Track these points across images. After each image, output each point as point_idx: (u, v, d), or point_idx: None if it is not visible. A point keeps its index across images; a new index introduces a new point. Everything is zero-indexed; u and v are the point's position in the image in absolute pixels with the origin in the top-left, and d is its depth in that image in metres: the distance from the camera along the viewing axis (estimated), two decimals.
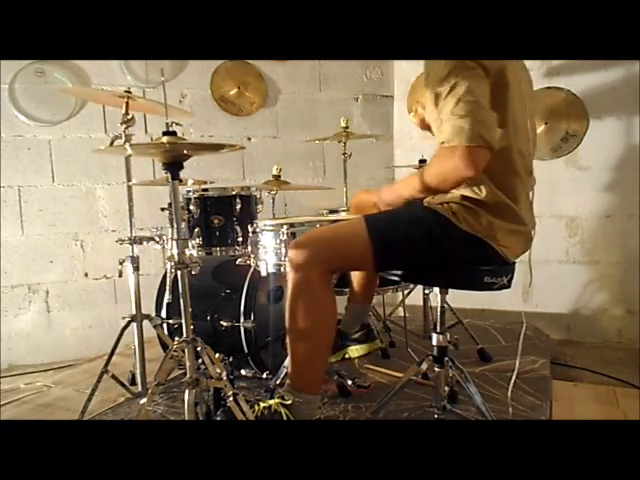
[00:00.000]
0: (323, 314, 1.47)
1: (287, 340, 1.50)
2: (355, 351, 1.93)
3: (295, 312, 1.45)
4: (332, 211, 2.39)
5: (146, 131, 2.78)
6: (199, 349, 1.42)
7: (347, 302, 1.94)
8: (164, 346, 2.09)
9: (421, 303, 2.58)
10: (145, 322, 1.99)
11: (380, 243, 1.42)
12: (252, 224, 1.95)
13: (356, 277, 1.89)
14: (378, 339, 1.96)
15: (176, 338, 1.45)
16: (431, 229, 1.42)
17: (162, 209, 2.07)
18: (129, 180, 2.00)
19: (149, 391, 1.43)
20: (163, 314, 2.20)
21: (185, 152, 1.35)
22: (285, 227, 1.77)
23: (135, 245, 1.99)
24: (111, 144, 1.94)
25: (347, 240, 1.48)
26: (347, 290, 1.94)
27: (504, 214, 1.43)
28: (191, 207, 2.16)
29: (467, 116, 1.27)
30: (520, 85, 1.44)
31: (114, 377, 1.95)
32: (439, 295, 1.58)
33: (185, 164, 1.38)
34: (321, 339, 1.49)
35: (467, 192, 1.42)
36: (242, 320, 2.02)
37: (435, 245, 1.42)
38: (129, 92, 1.91)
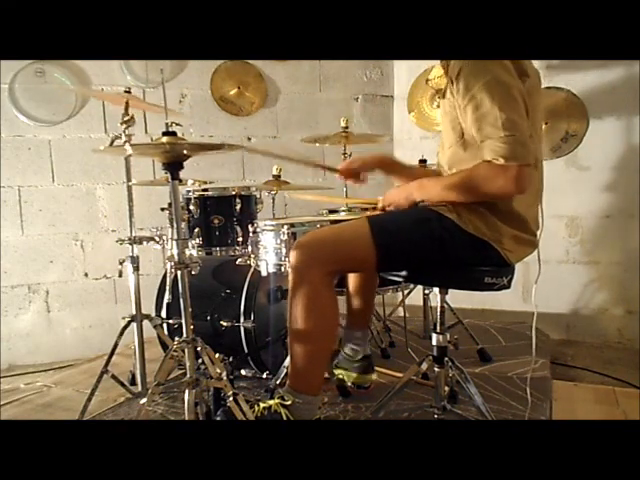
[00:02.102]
0: (324, 315, 1.46)
1: (288, 341, 1.50)
2: (351, 377, 1.94)
3: (296, 313, 1.44)
4: (332, 211, 2.39)
5: (146, 131, 2.77)
6: (199, 349, 1.42)
7: (345, 328, 1.95)
8: (164, 346, 2.09)
9: (421, 303, 2.58)
10: (145, 322, 1.99)
11: (383, 245, 1.42)
12: (252, 224, 1.95)
13: (352, 302, 1.89)
14: (374, 373, 1.97)
15: (176, 338, 1.45)
16: (435, 231, 1.42)
17: (162, 209, 2.07)
18: (129, 180, 2.00)
19: (149, 391, 1.43)
20: (163, 314, 2.20)
21: (185, 152, 1.35)
22: (285, 227, 1.77)
23: (135, 245, 1.99)
24: (111, 144, 1.94)
25: (350, 241, 1.47)
26: (345, 290, 1.94)
27: (515, 222, 1.43)
28: (191, 207, 2.16)
29: (517, 133, 1.27)
30: (540, 89, 1.45)
31: (114, 377, 1.95)
32: (439, 295, 1.58)
33: (185, 164, 1.38)
34: (322, 341, 1.48)
35: None
36: (242, 320, 2.02)
37: (439, 247, 1.42)
38: (129, 92, 1.91)
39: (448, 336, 1.59)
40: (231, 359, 1.86)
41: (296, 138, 2.63)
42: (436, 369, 1.60)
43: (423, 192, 1.47)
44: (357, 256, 1.47)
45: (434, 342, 1.59)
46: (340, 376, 1.96)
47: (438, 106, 3.04)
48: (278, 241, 1.80)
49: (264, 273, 1.88)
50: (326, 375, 1.79)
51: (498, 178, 1.30)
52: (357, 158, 1.75)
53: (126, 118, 1.86)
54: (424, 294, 2.51)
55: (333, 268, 1.47)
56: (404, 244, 1.44)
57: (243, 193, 2.24)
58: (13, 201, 2.77)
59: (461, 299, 2.54)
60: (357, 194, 3.01)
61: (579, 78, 2.77)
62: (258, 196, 2.31)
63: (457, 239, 1.41)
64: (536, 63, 1.45)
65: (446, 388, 1.66)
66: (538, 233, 1.50)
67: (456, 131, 1.46)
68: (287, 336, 1.56)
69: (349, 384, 1.97)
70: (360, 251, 1.44)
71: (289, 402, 1.45)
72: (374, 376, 1.97)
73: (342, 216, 2.19)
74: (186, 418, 1.36)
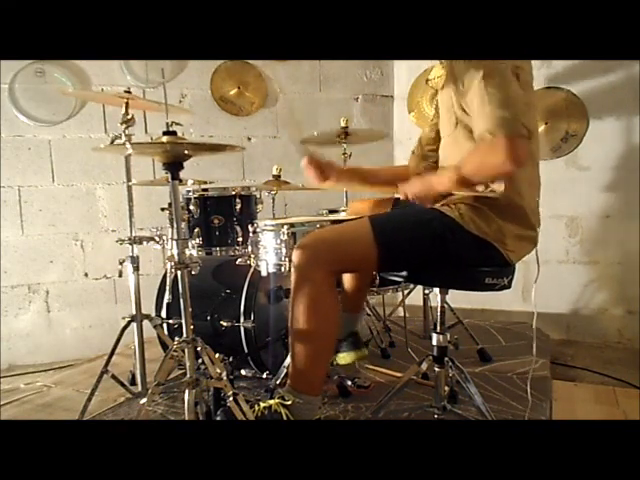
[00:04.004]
0: (326, 315, 1.46)
1: (289, 340, 1.50)
2: (342, 358, 1.92)
3: (298, 313, 1.44)
4: (332, 211, 2.39)
5: (146, 131, 2.78)
6: (199, 349, 1.42)
7: None
8: (164, 346, 2.09)
9: (421, 303, 2.58)
10: (145, 322, 1.99)
11: (385, 245, 1.42)
12: (252, 224, 1.95)
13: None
14: (365, 347, 1.94)
15: (176, 338, 1.45)
16: (437, 231, 1.41)
17: (162, 209, 2.07)
18: (129, 180, 2.00)
19: (149, 391, 1.43)
20: (163, 314, 2.20)
21: (185, 152, 1.35)
22: (285, 227, 1.77)
23: (135, 245, 1.99)
24: (111, 144, 1.94)
25: (351, 241, 1.47)
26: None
27: (517, 218, 1.42)
28: (191, 207, 2.16)
29: (504, 107, 1.26)
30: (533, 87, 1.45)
31: (114, 377, 1.95)
32: (439, 295, 1.58)
33: (185, 164, 1.38)
34: (323, 340, 1.48)
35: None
36: (242, 320, 2.02)
37: (440, 247, 1.42)
38: (129, 92, 1.91)
39: (448, 336, 1.59)
40: (231, 359, 1.86)
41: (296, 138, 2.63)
42: (436, 369, 1.60)
43: (442, 185, 1.43)
44: (359, 256, 1.47)
45: (434, 342, 1.59)
46: (334, 362, 1.93)
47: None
48: (278, 241, 1.80)
49: (264, 273, 1.88)
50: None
51: (492, 154, 1.28)
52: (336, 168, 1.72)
53: (126, 118, 1.86)
54: (424, 294, 2.51)
55: (335, 268, 1.47)
56: (406, 243, 1.43)
57: (243, 193, 2.24)
58: (13, 201, 2.77)
59: (461, 299, 2.54)
60: (357, 196, 3.01)
61: (579, 78, 2.77)
62: (258, 196, 2.31)
63: (459, 239, 1.40)
64: (537, 63, 1.45)
65: (446, 388, 1.66)
66: (539, 229, 1.50)
67: (451, 122, 1.47)
68: (287, 336, 1.56)
69: (343, 378, 1.95)
70: (362, 251, 1.44)
71: (289, 402, 1.44)
72: (365, 350, 1.95)
73: (342, 216, 2.19)
74: (186, 418, 1.36)
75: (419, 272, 1.50)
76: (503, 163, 1.26)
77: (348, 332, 1.91)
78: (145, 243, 2.02)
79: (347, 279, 1.88)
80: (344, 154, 2.47)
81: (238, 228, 2.20)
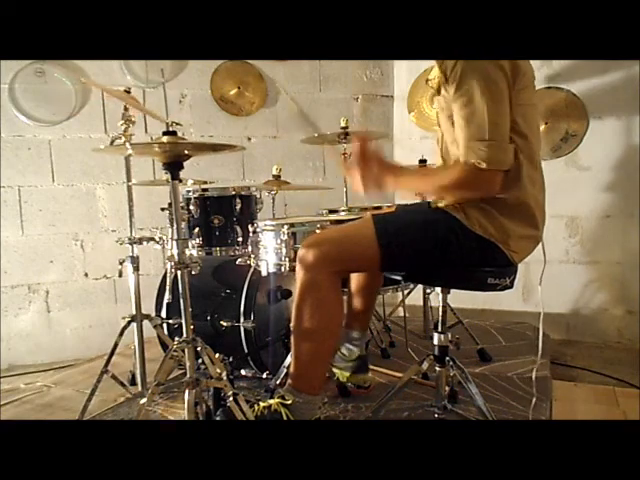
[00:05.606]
0: (329, 315, 1.46)
1: (291, 339, 1.50)
2: (345, 377, 1.93)
3: (302, 312, 1.45)
4: (332, 211, 2.39)
5: (146, 131, 2.78)
6: (199, 349, 1.42)
7: (344, 327, 1.93)
8: (164, 346, 2.09)
9: (421, 303, 2.58)
10: (145, 322, 1.99)
11: (387, 244, 1.42)
12: (252, 224, 1.94)
13: (353, 303, 1.89)
14: (370, 374, 1.97)
15: (176, 338, 1.45)
16: (440, 231, 1.41)
17: (162, 209, 2.07)
18: (129, 180, 2.00)
19: (149, 391, 1.43)
20: (163, 314, 2.20)
21: (185, 152, 1.35)
22: (285, 227, 1.77)
23: (135, 245, 1.99)
24: (111, 144, 1.94)
25: (355, 241, 1.47)
26: (347, 289, 1.94)
27: (522, 217, 1.42)
28: (191, 207, 2.16)
29: (499, 139, 1.30)
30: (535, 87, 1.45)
31: (114, 377, 1.95)
32: (441, 294, 1.58)
33: (185, 164, 1.38)
34: (326, 340, 1.48)
35: None
36: (242, 320, 2.02)
37: (443, 247, 1.42)
38: (129, 92, 1.91)
39: (449, 336, 1.58)
40: (231, 359, 1.86)
41: (296, 138, 2.63)
42: (437, 369, 1.60)
43: (398, 184, 1.49)
44: (361, 255, 1.47)
45: (435, 341, 1.59)
46: (336, 376, 1.95)
47: None
48: (278, 241, 1.80)
49: (264, 273, 1.87)
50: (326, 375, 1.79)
51: (476, 181, 1.34)
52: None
53: (127, 116, 1.85)
54: (424, 294, 2.51)
55: (339, 267, 1.48)
56: (408, 244, 1.43)
57: (243, 193, 2.24)
58: (13, 201, 2.77)
59: (461, 299, 2.54)
60: (357, 196, 3.01)
61: (579, 78, 2.77)
62: (258, 196, 2.31)
63: (463, 240, 1.40)
64: (537, 63, 1.45)
65: (447, 388, 1.66)
66: (543, 227, 1.50)
67: (452, 124, 1.46)
68: (287, 336, 1.56)
69: (346, 384, 1.97)
70: (364, 250, 1.45)
71: (289, 401, 1.45)
72: (369, 375, 1.96)
73: (342, 216, 2.19)
74: (186, 418, 1.36)
75: (421, 272, 1.50)
76: (481, 192, 1.38)
77: (356, 354, 1.91)
78: (145, 243, 2.02)
79: (355, 295, 1.88)
80: (344, 154, 2.46)
81: (238, 228, 2.20)
